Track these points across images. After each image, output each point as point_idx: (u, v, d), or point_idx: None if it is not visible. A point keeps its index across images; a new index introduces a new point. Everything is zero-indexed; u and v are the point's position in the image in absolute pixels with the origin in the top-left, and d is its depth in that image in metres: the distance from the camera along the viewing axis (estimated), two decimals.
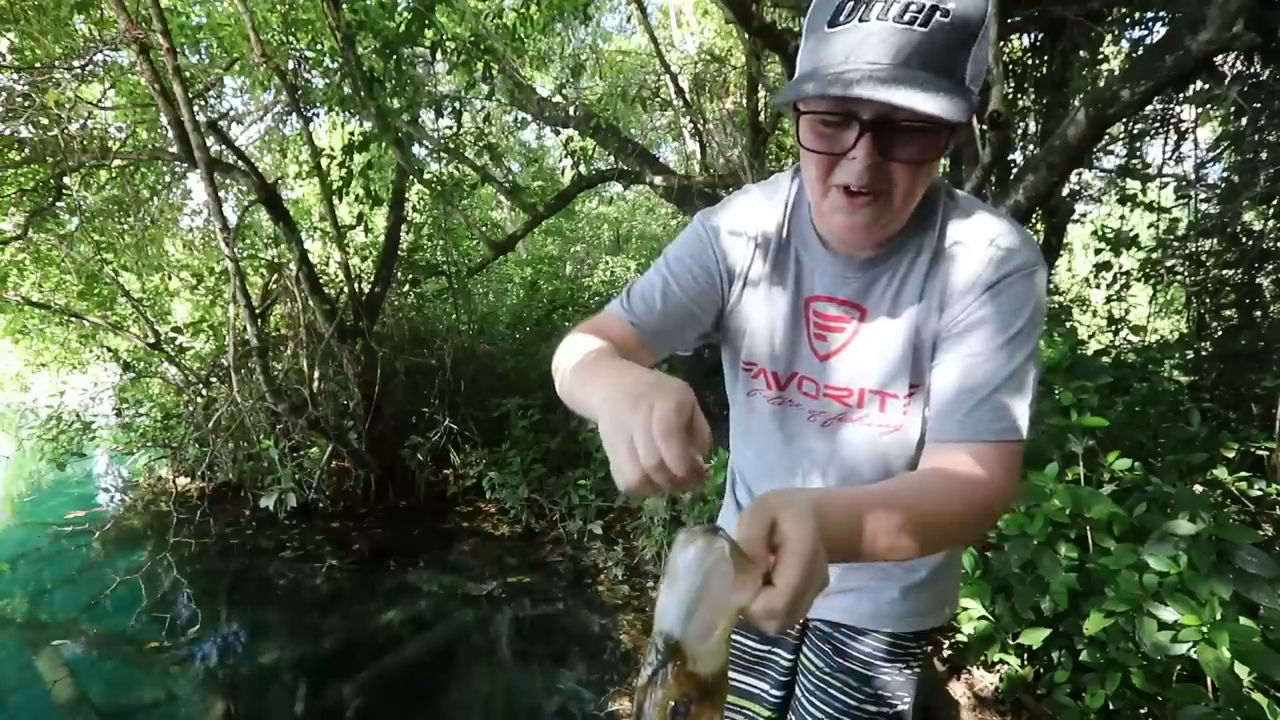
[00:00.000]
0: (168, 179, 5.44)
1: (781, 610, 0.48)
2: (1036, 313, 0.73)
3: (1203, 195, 4.03)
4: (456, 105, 4.24)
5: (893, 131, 0.64)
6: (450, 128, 4.72)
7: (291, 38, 4.16)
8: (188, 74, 3.75)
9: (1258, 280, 3.59)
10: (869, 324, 0.81)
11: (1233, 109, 3.40)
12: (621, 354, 0.75)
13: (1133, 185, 4.27)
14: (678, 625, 0.47)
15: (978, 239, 0.75)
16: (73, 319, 5.07)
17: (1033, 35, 4.13)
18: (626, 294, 0.88)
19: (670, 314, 0.85)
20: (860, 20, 0.60)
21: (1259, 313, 3.53)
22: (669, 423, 0.48)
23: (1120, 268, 3.91)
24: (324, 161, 4.06)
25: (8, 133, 4.00)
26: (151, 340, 4.90)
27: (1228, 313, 3.72)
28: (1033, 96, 4.36)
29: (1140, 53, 3.68)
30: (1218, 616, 1.43)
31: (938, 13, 0.58)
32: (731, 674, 1.11)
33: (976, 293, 0.74)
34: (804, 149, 0.70)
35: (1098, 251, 3.83)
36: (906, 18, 0.59)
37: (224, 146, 4.23)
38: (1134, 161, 4.48)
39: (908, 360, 0.80)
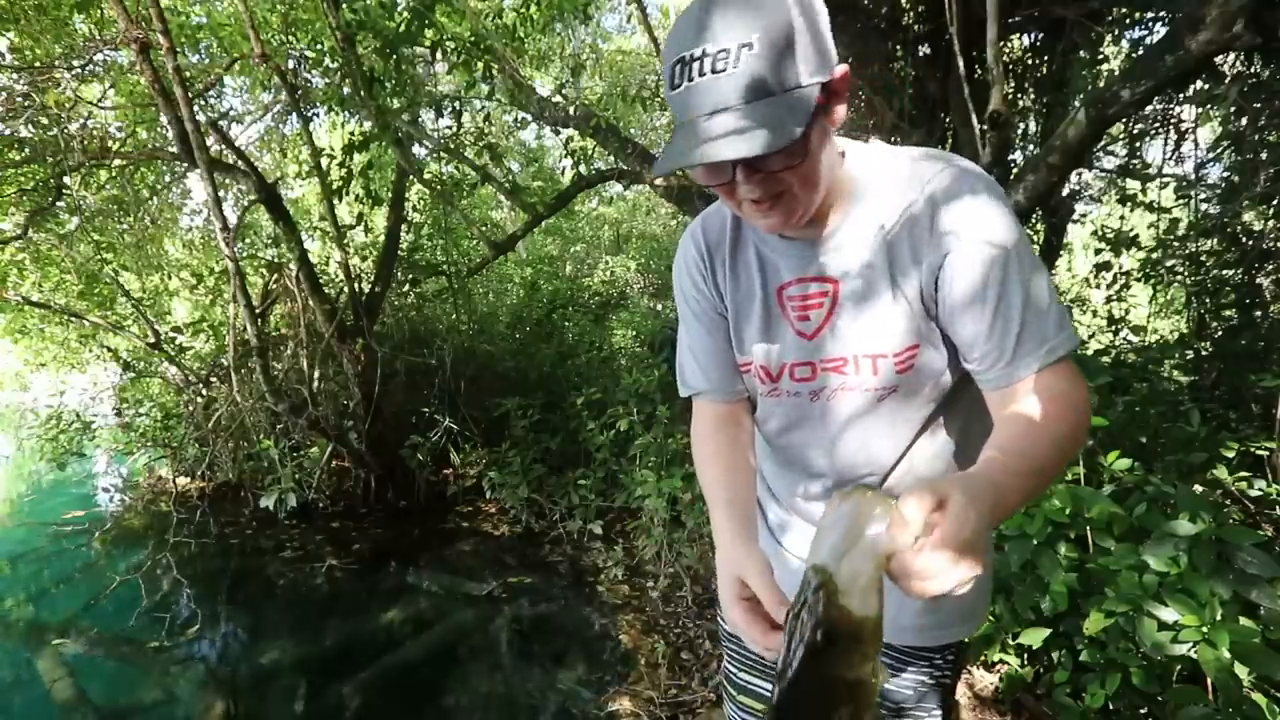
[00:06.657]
0: (168, 179, 5.44)
1: (915, 571, 0.50)
2: (1000, 215, 0.75)
3: (1203, 195, 4.03)
4: (456, 105, 4.24)
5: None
6: (450, 128, 4.71)
7: (291, 37, 4.16)
8: (188, 74, 3.74)
9: (1258, 280, 3.59)
10: (844, 292, 0.83)
11: (1233, 109, 3.40)
12: (727, 428, 0.95)
13: (1133, 185, 4.27)
14: (831, 559, 0.49)
15: (901, 184, 0.79)
16: (73, 319, 5.07)
17: (1033, 35, 4.13)
18: (678, 373, 1.01)
19: (722, 366, 0.95)
20: (689, 81, 0.67)
21: (1259, 313, 3.52)
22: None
23: (1120, 268, 3.91)
24: (324, 161, 4.06)
25: (8, 133, 3.99)
26: (151, 340, 4.90)
27: (1228, 313, 3.71)
28: (1033, 96, 4.36)
29: (1140, 53, 3.68)
30: (1218, 617, 1.42)
31: (744, 49, 0.64)
32: (739, 673, 1.11)
33: (937, 234, 0.76)
34: (704, 185, 0.78)
35: (1098, 251, 3.83)
36: (720, 66, 0.65)
37: (224, 146, 4.24)
38: (1134, 161, 4.48)
39: (895, 317, 0.80)
